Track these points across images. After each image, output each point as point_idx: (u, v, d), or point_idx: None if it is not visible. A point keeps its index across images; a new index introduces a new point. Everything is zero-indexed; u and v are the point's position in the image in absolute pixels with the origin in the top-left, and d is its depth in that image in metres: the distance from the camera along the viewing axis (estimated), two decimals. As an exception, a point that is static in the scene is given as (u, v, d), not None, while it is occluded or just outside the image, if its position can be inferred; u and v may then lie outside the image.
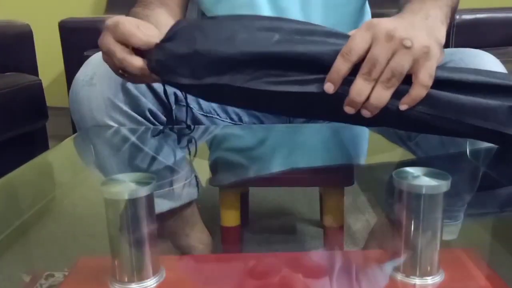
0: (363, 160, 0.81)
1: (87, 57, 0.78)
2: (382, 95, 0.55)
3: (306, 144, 0.75)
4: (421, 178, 0.45)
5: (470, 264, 0.50)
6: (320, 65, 0.58)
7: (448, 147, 0.71)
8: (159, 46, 0.60)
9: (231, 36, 0.59)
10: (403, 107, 0.56)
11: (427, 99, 0.57)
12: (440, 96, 0.57)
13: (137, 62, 0.61)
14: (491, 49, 0.88)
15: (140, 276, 0.45)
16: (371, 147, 0.78)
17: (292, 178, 0.76)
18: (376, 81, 0.55)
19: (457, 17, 1.73)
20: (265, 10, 0.85)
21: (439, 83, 0.57)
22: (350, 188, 0.76)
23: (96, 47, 0.63)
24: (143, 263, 0.45)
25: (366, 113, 0.57)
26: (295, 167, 0.74)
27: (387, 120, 0.60)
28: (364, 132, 0.77)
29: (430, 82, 0.56)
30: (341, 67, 0.55)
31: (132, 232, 0.44)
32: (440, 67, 0.58)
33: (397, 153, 0.80)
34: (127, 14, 0.76)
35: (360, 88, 0.55)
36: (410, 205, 0.45)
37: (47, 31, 2.08)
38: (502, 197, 0.63)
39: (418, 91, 0.55)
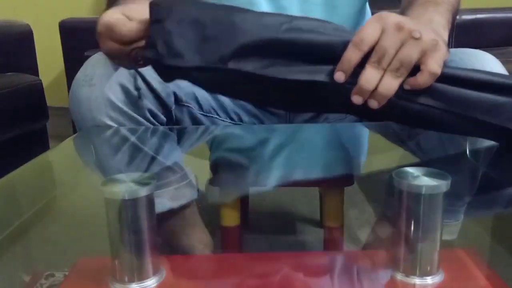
0: (363, 160, 0.82)
1: (87, 57, 0.78)
2: (390, 84, 0.55)
3: (306, 144, 0.75)
4: (421, 178, 0.45)
5: (470, 264, 0.50)
6: (329, 55, 0.57)
7: (448, 147, 0.71)
8: (160, 27, 0.58)
9: (241, 21, 0.58)
10: (406, 86, 0.56)
11: (434, 92, 0.57)
12: (446, 90, 0.57)
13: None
14: (491, 49, 0.88)
15: (140, 276, 0.45)
16: (371, 147, 0.78)
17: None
18: (385, 70, 0.55)
19: (457, 17, 1.73)
20: (265, 10, 0.85)
21: (445, 78, 0.57)
22: (350, 188, 0.76)
23: (96, 47, 0.63)
24: (143, 263, 0.45)
25: (373, 104, 0.56)
26: (295, 167, 0.75)
27: (393, 113, 0.59)
28: (364, 132, 0.77)
29: (438, 71, 0.55)
30: (352, 56, 0.55)
31: (132, 232, 0.44)
32: (446, 66, 0.58)
33: (397, 153, 0.80)
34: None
35: (369, 76, 0.55)
36: (410, 205, 0.45)
37: (47, 31, 2.08)
38: (502, 197, 0.63)
39: (425, 78, 0.55)
